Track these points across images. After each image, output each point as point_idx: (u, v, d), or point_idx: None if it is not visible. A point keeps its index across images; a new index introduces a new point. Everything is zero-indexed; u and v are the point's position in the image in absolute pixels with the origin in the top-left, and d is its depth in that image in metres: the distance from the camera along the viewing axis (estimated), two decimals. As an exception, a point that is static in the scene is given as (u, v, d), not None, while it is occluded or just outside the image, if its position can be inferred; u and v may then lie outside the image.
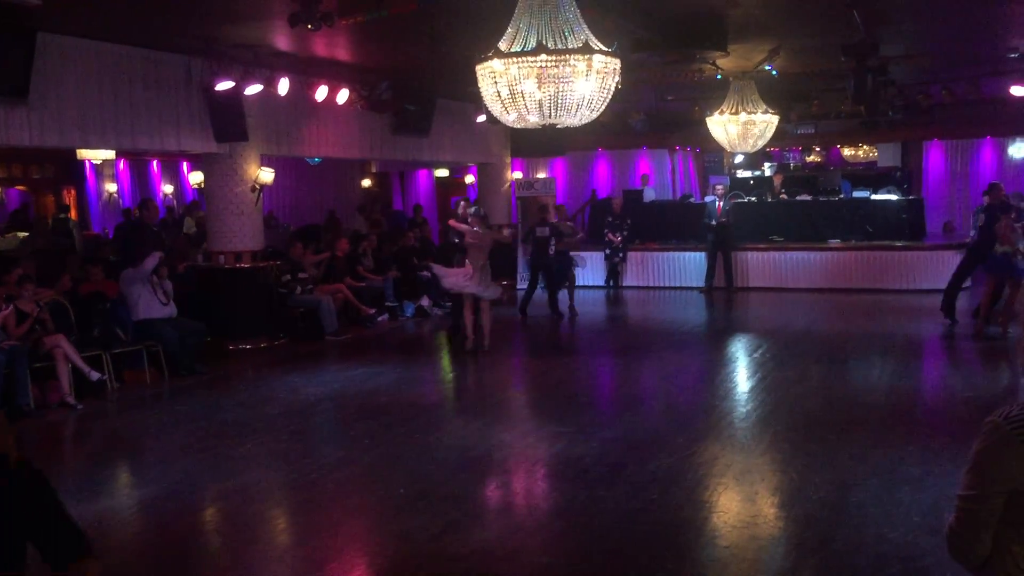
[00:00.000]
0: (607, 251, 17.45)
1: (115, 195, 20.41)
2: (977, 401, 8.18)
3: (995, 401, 7.68)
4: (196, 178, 19.26)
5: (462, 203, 13.20)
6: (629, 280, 17.52)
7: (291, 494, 6.49)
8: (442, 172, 22.13)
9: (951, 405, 8.34)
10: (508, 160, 18.70)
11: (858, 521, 5.44)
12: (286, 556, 5.42)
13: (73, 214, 18.51)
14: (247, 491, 6.47)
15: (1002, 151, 18.93)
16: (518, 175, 19.22)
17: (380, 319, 13.93)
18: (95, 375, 9.27)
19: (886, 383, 9.28)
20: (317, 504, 6.19)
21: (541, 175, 19.78)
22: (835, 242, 16.53)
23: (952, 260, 15.31)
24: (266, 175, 12.19)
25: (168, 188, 21.43)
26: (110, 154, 16.59)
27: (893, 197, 17.49)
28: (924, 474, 6.21)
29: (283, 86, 11.78)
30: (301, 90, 12.35)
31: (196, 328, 10.60)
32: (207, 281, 12.13)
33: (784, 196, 18.48)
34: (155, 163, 21.01)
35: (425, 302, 14.58)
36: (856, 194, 18.07)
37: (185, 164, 20.92)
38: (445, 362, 10.63)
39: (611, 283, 17.61)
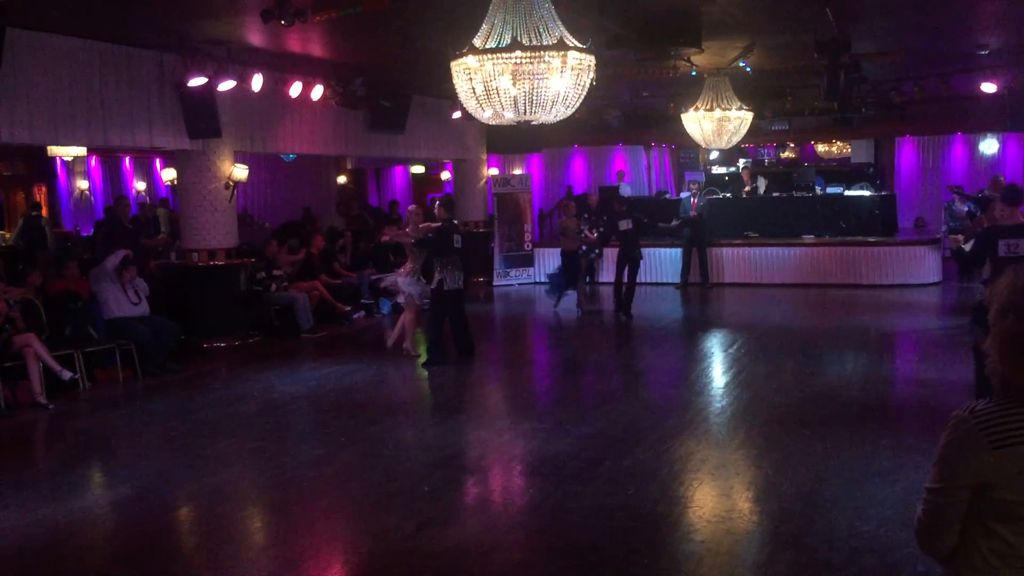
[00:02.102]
0: (583, 248, 17.47)
1: (87, 192, 20.21)
2: (949, 395, 8.27)
3: (966, 395, 7.76)
4: (169, 175, 19.10)
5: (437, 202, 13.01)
6: (605, 276, 17.55)
7: (266, 493, 6.46)
8: (418, 169, 22.08)
9: (923, 399, 8.42)
10: (484, 156, 18.68)
11: (832, 514, 5.49)
12: (261, 555, 5.39)
13: (44, 211, 18.28)
14: (221, 490, 6.43)
15: (973, 147, 19.14)
16: (494, 172, 19.21)
17: (356, 316, 13.89)
18: (67, 374, 9.17)
19: (860, 377, 9.36)
20: (292, 502, 6.16)
21: (517, 172, 19.79)
22: (809, 238, 16.66)
23: (925, 255, 15.48)
24: (240, 172, 12.10)
25: (141, 185, 21.23)
26: (82, 151, 16.39)
27: (866, 193, 17.65)
28: (896, 467, 6.28)
29: (257, 82, 11.70)
30: (275, 86, 12.27)
31: (169, 326, 10.52)
32: (181, 279, 12.04)
33: (751, 188, 18.57)
34: (127, 160, 20.81)
35: (402, 299, 14.52)
36: (830, 190, 18.23)
37: (158, 161, 20.73)
38: (421, 360, 10.60)
39: (587, 279, 17.63)
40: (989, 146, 18.93)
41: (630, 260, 13.37)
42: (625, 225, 13.23)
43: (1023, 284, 2.04)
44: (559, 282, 14.16)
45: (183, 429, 8.04)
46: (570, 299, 14.16)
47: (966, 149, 19.22)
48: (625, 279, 13.45)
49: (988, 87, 14.43)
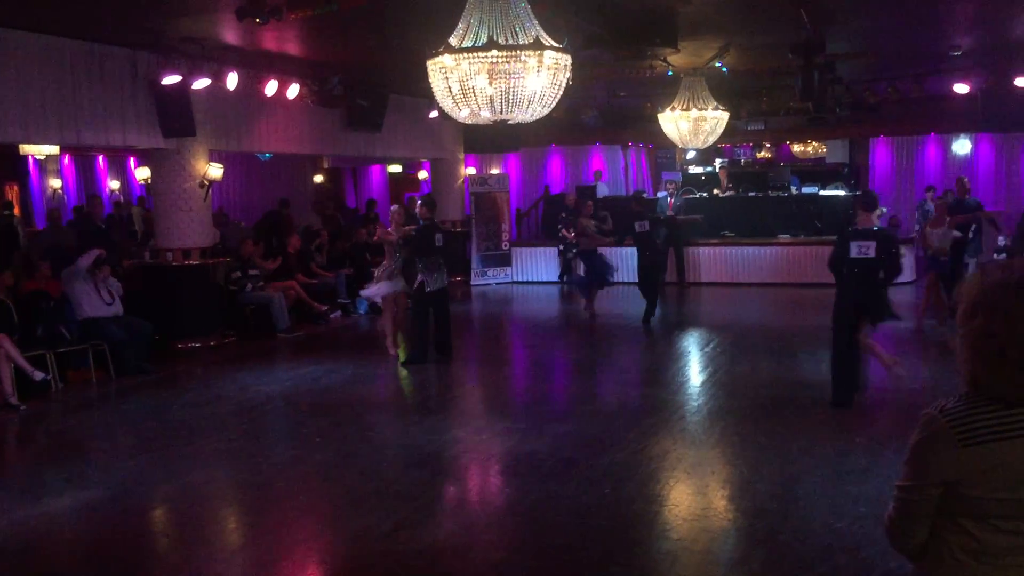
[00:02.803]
0: (561, 247, 17.49)
1: (59, 191, 19.97)
2: (922, 393, 8.35)
3: (939, 393, 7.84)
4: (143, 174, 18.92)
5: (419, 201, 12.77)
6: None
7: (241, 494, 6.42)
8: (395, 168, 22.01)
9: (897, 397, 8.49)
10: (461, 156, 18.66)
11: (806, 512, 5.53)
12: (236, 556, 5.36)
13: (17, 211, 18.05)
14: (196, 491, 6.39)
15: (946, 148, 19.30)
16: (471, 171, 19.19)
17: (333, 316, 13.84)
18: (39, 375, 9.07)
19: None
20: (268, 503, 6.13)
21: (495, 171, 19.78)
22: (785, 237, 16.76)
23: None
24: (215, 171, 12.02)
25: (115, 184, 21.01)
26: (54, 149, 16.20)
27: (841, 193, 17.79)
28: (870, 465, 6.33)
29: (232, 80, 11.62)
30: (250, 85, 12.19)
31: (143, 327, 10.43)
32: (155, 279, 11.94)
33: (731, 190, 18.70)
34: (101, 158, 20.59)
35: (378, 299, 14.47)
36: (805, 190, 18.35)
37: (132, 159, 20.54)
38: (400, 359, 10.57)
39: (564, 278, 17.66)
40: (962, 146, 19.10)
41: (645, 263, 13.09)
42: (641, 227, 12.89)
43: (990, 284, 2.05)
44: (585, 282, 13.83)
45: (157, 430, 7.97)
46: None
47: (939, 149, 19.39)
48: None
49: (961, 88, 14.58)
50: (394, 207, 11.25)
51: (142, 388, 9.64)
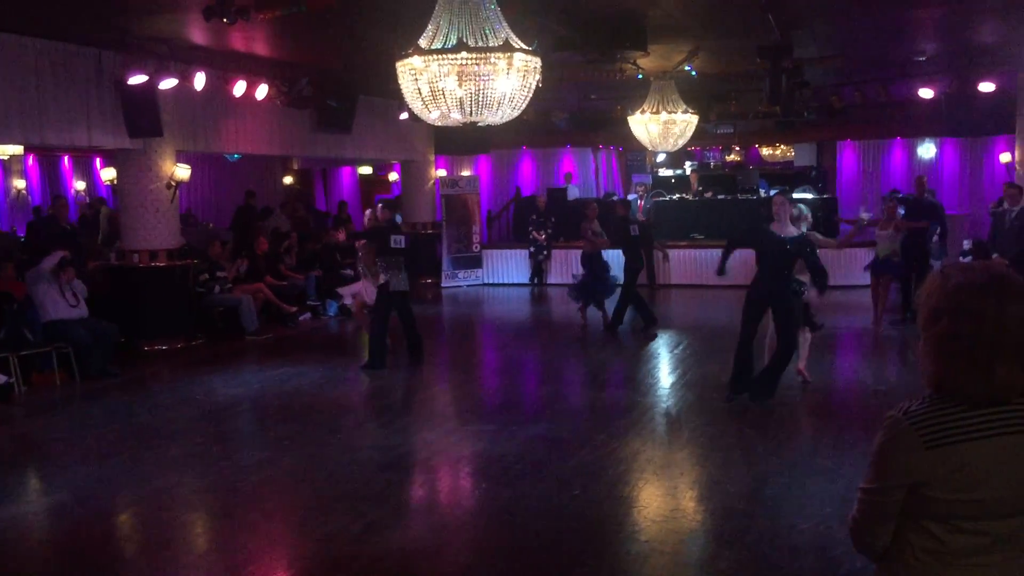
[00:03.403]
0: (531, 249, 17.54)
1: (24, 192, 19.67)
2: (888, 394, 8.45)
3: (903, 394, 7.93)
4: (109, 174, 18.69)
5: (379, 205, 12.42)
6: (553, 278, 17.64)
7: (208, 498, 6.35)
8: (366, 169, 21.92)
9: (863, 398, 8.59)
10: (432, 158, 18.62)
11: (773, 512, 5.57)
12: (203, 562, 5.30)
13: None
14: (163, 496, 6.31)
15: (911, 152, 19.56)
16: (442, 173, 19.16)
17: (302, 318, 13.75)
18: (1, 378, 8.93)
19: (801, 377, 9.49)
20: (235, 508, 6.07)
21: (465, 173, 19.77)
22: (754, 239, 16.85)
23: (866, 257, 15.78)
24: (182, 171, 11.90)
25: (80, 185, 20.75)
26: (18, 149, 15.96)
27: (808, 196, 17.94)
28: (836, 465, 6.39)
29: (199, 81, 11.50)
30: (218, 85, 12.08)
31: (108, 329, 10.29)
32: (121, 281, 11.79)
33: (705, 193, 18.84)
34: (66, 159, 20.32)
35: (348, 300, 14.41)
36: (773, 192, 18.46)
37: (98, 160, 20.29)
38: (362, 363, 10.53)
39: (535, 281, 17.70)
40: (927, 150, 19.37)
41: (638, 267, 13.03)
42: (634, 231, 12.78)
43: (952, 287, 2.07)
44: (579, 287, 13.15)
45: (123, 433, 7.87)
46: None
47: (905, 153, 19.64)
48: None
49: (925, 92, 14.77)
50: (369, 212, 11.37)
51: (107, 391, 9.52)
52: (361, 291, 10.87)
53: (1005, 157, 16.75)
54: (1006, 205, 12.57)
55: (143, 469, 6.86)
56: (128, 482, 6.58)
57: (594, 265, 12.76)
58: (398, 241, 10.24)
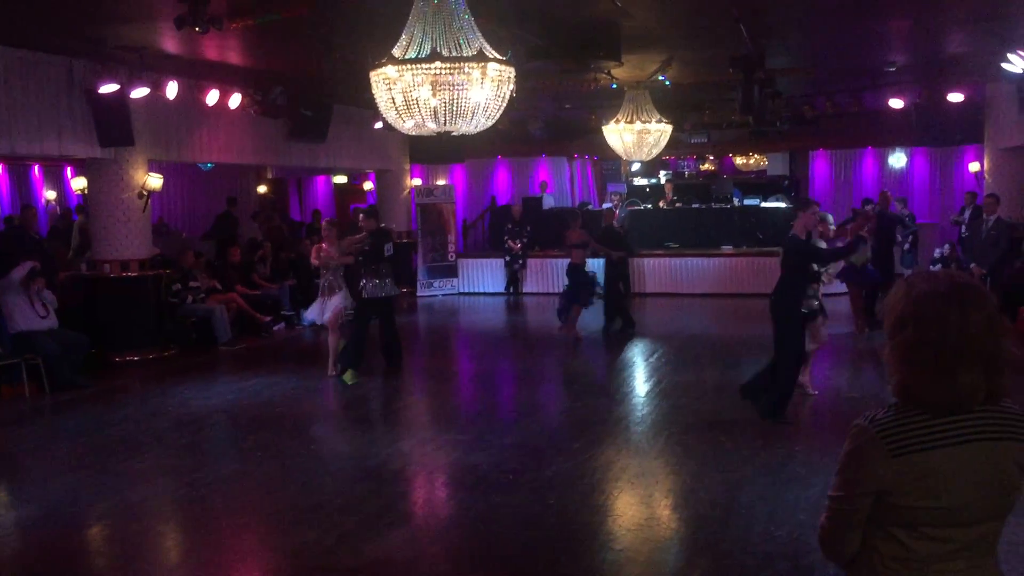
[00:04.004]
0: (507, 258, 17.55)
1: (-7, 201, 19.45)
2: (861, 401, 8.52)
3: (874, 401, 8.00)
4: (79, 184, 18.52)
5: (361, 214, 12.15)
6: (529, 287, 17.65)
7: (180, 510, 6.29)
8: (340, 179, 21.87)
9: (836, 405, 8.65)
10: (407, 167, 18.61)
11: (747, 520, 5.59)
12: (174, 574, 5.25)
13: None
14: (133, 508, 6.24)
15: (882, 161, 19.78)
16: (417, 182, 19.14)
17: (276, 328, 13.67)
18: (-31, 390, 8.80)
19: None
20: (207, 520, 6.01)
21: (441, 182, 19.76)
22: (727, 248, 16.99)
23: (837, 265, 15.92)
24: (154, 181, 11.82)
25: (51, 194, 20.53)
26: (-13, 158, 15.82)
27: (782, 204, 18.11)
28: (809, 473, 6.43)
29: (172, 90, 11.44)
30: (191, 94, 12.02)
31: (79, 340, 10.19)
32: (92, 291, 11.68)
33: (677, 202, 18.95)
34: (36, 168, 20.11)
35: (320, 319, 14.24)
36: (747, 202, 18.66)
37: (69, 169, 20.08)
38: (343, 372, 10.46)
39: (511, 290, 17.72)
40: (898, 159, 19.60)
41: (621, 274, 13.20)
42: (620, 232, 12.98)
43: (917, 295, 2.09)
44: (566, 300, 12.75)
45: (93, 446, 7.78)
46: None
47: (876, 162, 19.86)
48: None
49: (896, 103, 14.96)
50: (325, 223, 10.79)
51: (78, 403, 9.41)
52: (340, 305, 10.31)
53: (974, 166, 16.98)
54: (984, 215, 12.66)
55: (113, 481, 6.78)
56: (98, 495, 6.50)
57: (579, 275, 12.65)
58: (389, 249, 10.14)
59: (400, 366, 10.55)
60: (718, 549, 5.16)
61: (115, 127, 10.93)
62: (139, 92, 10.98)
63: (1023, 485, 2.13)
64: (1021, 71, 11.25)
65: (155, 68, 11.17)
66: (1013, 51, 10.87)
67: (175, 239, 16.50)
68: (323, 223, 10.80)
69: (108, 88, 10.58)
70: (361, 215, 10.54)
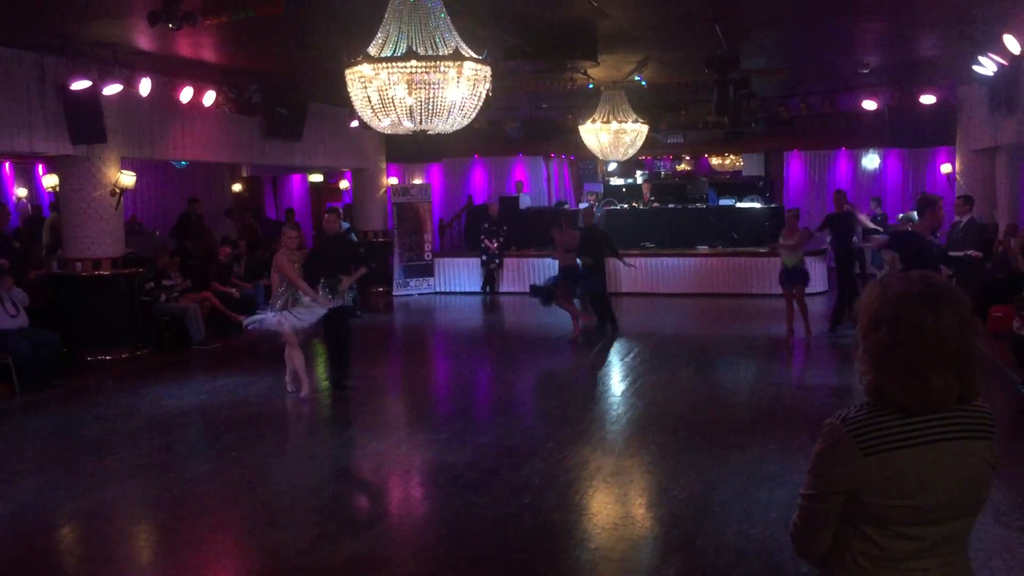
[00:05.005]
0: (483, 257, 17.55)
1: (-37, 198, 19.18)
2: (834, 400, 8.59)
3: (849, 400, 8.07)
4: (51, 181, 18.30)
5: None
6: (505, 286, 17.64)
7: (153, 511, 6.24)
8: (316, 177, 21.76)
9: (809, 404, 8.71)
10: (383, 166, 18.55)
11: (721, 519, 5.62)
12: (145, 575, 5.21)
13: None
14: (106, 509, 6.18)
15: (856, 162, 19.96)
16: (393, 181, 19.08)
17: (250, 328, 13.55)
18: (-63, 390, 8.68)
19: (749, 384, 9.62)
20: (181, 520, 5.96)
21: (417, 181, 19.70)
22: (703, 248, 17.08)
23: (812, 265, 16.05)
24: (126, 178, 11.70)
25: (22, 191, 20.28)
26: (-44, 155, 15.61)
27: (757, 205, 18.24)
28: (783, 471, 6.47)
29: (145, 86, 11.34)
30: (165, 91, 11.91)
31: (50, 339, 10.07)
32: (63, 290, 11.54)
33: (654, 202, 19.02)
34: (7, 165, 19.86)
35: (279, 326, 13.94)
36: (722, 202, 18.76)
37: (40, 166, 19.85)
38: (319, 371, 10.42)
39: (487, 289, 17.70)
40: (871, 161, 19.78)
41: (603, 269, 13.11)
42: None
43: (892, 296, 2.11)
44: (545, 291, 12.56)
45: (64, 446, 7.69)
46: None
47: (850, 163, 20.04)
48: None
49: (869, 104, 15.09)
50: (284, 227, 9.59)
51: (49, 402, 9.31)
52: (285, 323, 8.98)
53: (946, 168, 17.16)
54: (956, 216, 12.70)
55: (85, 482, 6.71)
56: (69, 495, 6.43)
57: (570, 276, 12.52)
58: (337, 255, 9.22)
59: (345, 386, 9.46)
60: (692, 547, 5.19)
61: (87, 124, 10.81)
62: (112, 89, 10.87)
63: (992, 483, 2.15)
64: (992, 73, 11.38)
65: (128, 65, 11.05)
66: (984, 54, 11.00)
67: (148, 237, 16.35)
68: (285, 228, 9.42)
69: (80, 85, 10.46)
70: (327, 216, 9.79)
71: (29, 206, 19.61)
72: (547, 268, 16.63)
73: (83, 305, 11.35)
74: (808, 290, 12.51)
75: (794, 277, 11.82)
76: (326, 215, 9.88)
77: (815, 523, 2.16)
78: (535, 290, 12.61)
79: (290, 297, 9.00)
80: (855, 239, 12.86)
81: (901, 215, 12.95)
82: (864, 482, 2.07)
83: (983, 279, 11.49)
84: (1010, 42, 9.57)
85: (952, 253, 8.95)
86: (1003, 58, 10.79)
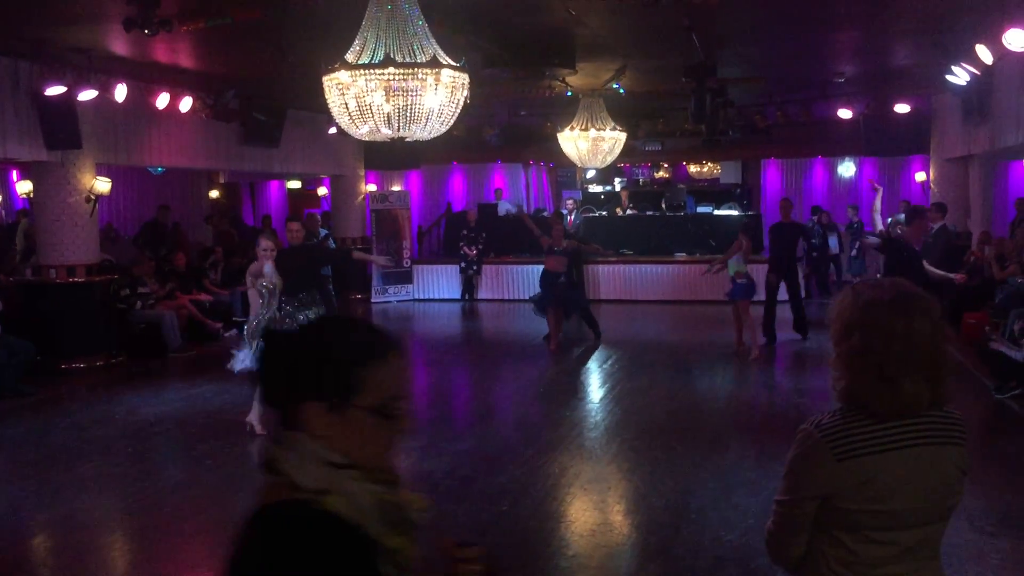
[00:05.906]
0: (462, 264, 17.53)
1: (-65, 204, 18.94)
2: (810, 406, 8.64)
3: (824, 406, 8.11)
4: (25, 187, 18.11)
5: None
6: (484, 293, 17.63)
7: (126, 520, 6.18)
8: (294, 184, 21.67)
9: (786, 410, 8.76)
10: (362, 172, 18.51)
11: (698, 525, 5.64)
12: (119, 586, 5.15)
13: None
14: (78, 519, 6.11)
15: (832, 170, 20.12)
16: (372, 187, 19.04)
17: (227, 334, 13.48)
18: (-93, 399, 8.56)
19: (727, 391, 9.68)
20: (154, 530, 5.90)
21: (396, 188, 19.67)
22: (681, 255, 17.15)
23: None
24: (102, 185, 11.60)
25: (-5, 197, 20.06)
26: (-72, 160, 15.40)
27: (734, 212, 18.34)
28: (759, 477, 6.50)
29: (120, 92, 11.25)
30: (141, 97, 11.83)
31: (23, 346, 9.96)
32: (37, 297, 11.41)
33: (632, 210, 19.11)
34: (-19, 171, 19.63)
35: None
36: (700, 209, 18.84)
37: (14, 172, 19.64)
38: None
39: (466, 296, 17.68)
40: (847, 169, 19.94)
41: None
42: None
43: (864, 303, 2.12)
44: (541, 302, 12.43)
45: (36, 454, 7.60)
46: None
47: (826, 172, 20.19)
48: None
49: (844, 113, 15.23)
50: (262, 238, 8.47)
51: (21, 411, 9.19)
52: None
53: (920, 176, 17.34)
54: (928, 224, 12.76)
55: (58, 491, 6.63)
56: (42, 505, 6.36)
57: (554, 281, 12.43)
58: (287, 265, 8.19)
59: None
60: (669, 554, 5.20)
61: (62, 130, 10.71)
62: (87, 94, 10.77)
63: (963, 488, 2.17)
64: (965, 83, 11.52)
65: (104, 70, 10.97)
66: (957, 63, 11.13)
67: (124, 244, 16.21)
68: (265, 243, 8.17)
69: (55, 90, 10.37)
70: (287, 225, 8.93)
71: (2, 212, 19.40)
72: (526, 275, 16.68)
73: (57, 312, 11.22)
74: (785, 296, 12.57)
75: (735, 290, 11.41)
76: (287, 224, 8.85)
77: (790, 529, 2.17)
78: (539, 306, 12.46)
79: (272, 316, 8.21)
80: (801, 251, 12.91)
81: (890, 218, 13.00)
82: (837, 487, 2.08)
83: (956, 287, 11.60)
84: (983, 52, 9.68)
85: (931, 271, 8.91)
86: (976, 68, 10.92)
